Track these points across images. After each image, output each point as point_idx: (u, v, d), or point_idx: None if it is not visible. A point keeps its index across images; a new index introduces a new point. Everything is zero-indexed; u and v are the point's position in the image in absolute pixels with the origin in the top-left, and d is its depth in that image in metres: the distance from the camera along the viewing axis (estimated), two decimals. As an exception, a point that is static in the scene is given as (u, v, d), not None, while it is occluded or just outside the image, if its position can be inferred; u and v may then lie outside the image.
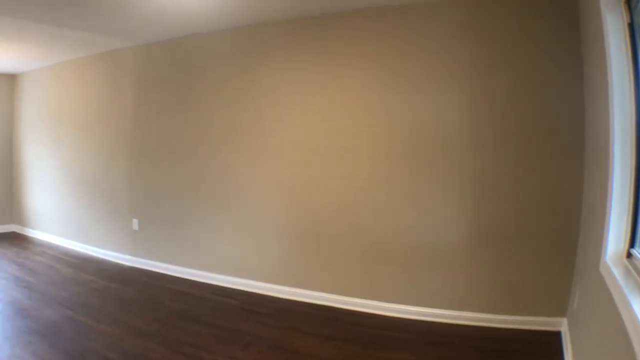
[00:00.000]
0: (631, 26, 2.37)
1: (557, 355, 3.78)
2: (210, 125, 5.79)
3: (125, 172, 6.70)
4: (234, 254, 5.70)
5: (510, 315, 4.32)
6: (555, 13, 4.08)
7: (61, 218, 7.87)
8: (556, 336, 4.13)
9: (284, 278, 5.34)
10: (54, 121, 7.90)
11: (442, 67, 4.46)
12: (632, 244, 2.38)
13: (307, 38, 5.11)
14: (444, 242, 4.50)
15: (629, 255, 2.37)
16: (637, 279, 2.03)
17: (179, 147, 6.10)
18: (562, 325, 4.14)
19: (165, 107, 6.22)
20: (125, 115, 6.65)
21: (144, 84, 6.46)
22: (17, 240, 8.15)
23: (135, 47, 6.50)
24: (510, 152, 4.27)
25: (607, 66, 2.53)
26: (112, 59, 6.83)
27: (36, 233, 8.43)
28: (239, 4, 4.72)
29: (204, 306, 5.09)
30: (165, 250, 6.33)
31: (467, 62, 4.37)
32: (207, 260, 5.91)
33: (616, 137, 2.39)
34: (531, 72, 4.17)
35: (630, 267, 2.24)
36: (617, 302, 1.99)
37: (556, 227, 4.17)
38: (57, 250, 7.48)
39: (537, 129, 4.18)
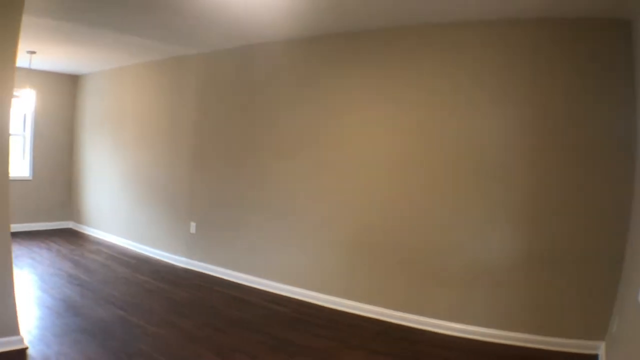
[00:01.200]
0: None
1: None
2: (272, 134, 5.78)
3: (186, 175, 6.75)
4: (287, 262, 5.63)
5: (551, 336, 4.23)
6: (611, 37, 4.05)
7: (118, 217, 7.98)
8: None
9: (335, 289, 5.25)
10: (115, 122, 8.06)
11: (500, 87, 4.43)
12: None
13: (368, 52, 5.06)
14: (492, 261, 4.44)
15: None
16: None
17: (239, 153, 6.10)
18: (600, 349, 4.04)
19: (227, 114, 6.26)
20: (188, 120, 6.72)
21: (207, 90, 6.51)
22: (73, 237, 8.29)
23: (199, 54, 6.57)
24: (561, 175, 4.24)
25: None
26: (176, 65, 6.93)
27: (92, 231, 8.57)
28: (307, 16, 4.69)
29: (255, 313, 4.99)
30: (220, 255, 6.30)
31: (525, 84, 4.34)
32: (261, 266, 5.86)
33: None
34: (585, 96, 4.15)
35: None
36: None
37: (601, 250, 4.10)
38: (113, 249, 7.55)
39: (589, 153, 4.16)
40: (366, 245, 5.04)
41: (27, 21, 4.82)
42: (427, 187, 4.73)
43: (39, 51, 6.77)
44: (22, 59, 6.99)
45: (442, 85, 4.65)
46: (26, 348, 3.68)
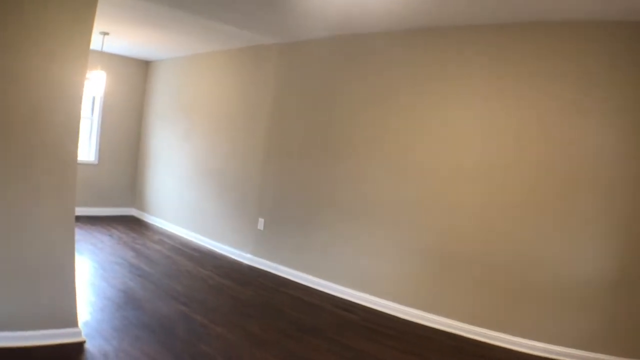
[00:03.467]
0: None
1: None
2: (350, 131, 5.57)
3: (257, 169, 6.61)
4: (359, 266, 5.41)
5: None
6: None
7: (183, 208, 7.95)
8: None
9: (408, 298, 5.00)
10: (186, 111, 8.04)
11: (606, 93, 4.13)
12: None
13: (470, 48, 4.77)
14: (582, 278, 4.20)
15: None
16: None
17: (315, 150, 5.91)
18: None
19: (305, 108, 6.09)
20: (263, 112, 6.58)
21: (284, 82, 6.36)
22: (135, 224, 8.31)
23: (279, 44, 6.42)
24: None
25: None
26: (254, 54, 6.81)
27: (155, 220, 8.58)
28: (403, 7, 4.46)
29: (324, 318, 4.78)
30: (288, 254, 6.13)
31: (625, 90, 4.06)
32: (331, 269, 5.64)
33: None
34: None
35: None
36: None
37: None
38: (176, 240, 7.49)
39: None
40: (446, 254, 4.80)
41: (103, -2, 4.81)
42: (517, 195, 4.46)
43: (113, 32, 6.76)
44: (95, 41, 7.02)
45: (543, 89, 4.37)
46: (84, 341, 3.56)
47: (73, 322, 3.57)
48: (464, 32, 4.76)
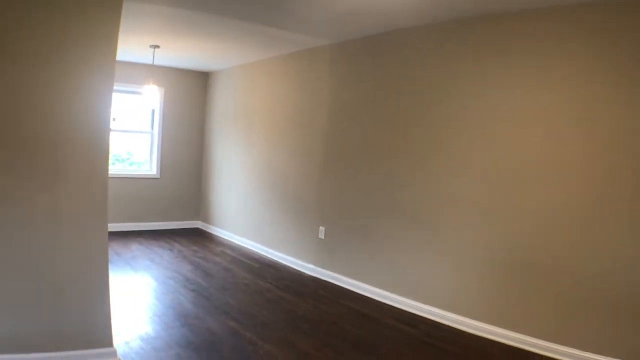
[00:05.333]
0: None
1: None
2: (412, 132, 5.20)
3: (317, 176, 6.38)
4: (421, 277, 5.04)
5: None
6: None
7: (245, 218, 7.83)
8: None
9: (474, 310, 4.59)
10: (245, 121, 7.95)
11: None
12: None
13: (527, 36, 4.29)
14: None
15: None
16: None
17: (375, 153, 5.58)
18: None
19: (362, 109, 5.79)
20: (320, 117, 6.36)
21: (339, 83, 6.11)
22: (199, 237, 8.22)
23: (330, 45, 6.18)
24: None
25: None
26: (306, 57, 6.62)
27: (219, 231, 8.50)
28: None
29: (382, 334, 4.43)
30: (349, 264, 5.84)
31: None
32: (392, 280, 5.30)
33: None
34: None
35: None
36: None
37: None
38: (238, 251, 7.33)
39: None
40: (511, 263, 4.35)
41: (148, 10, 4.76)
42: (590, 196, 3.93)
43: (163, 45, 6.71)
44: (146, 54, 7.03)
45: (613, 78, 3.81)
46: (118, 362, 3.38)
47: (107, 342, 3.39)
48: (526, 17, 4.30)
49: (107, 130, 3.37)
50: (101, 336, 3.38)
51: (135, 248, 6.86)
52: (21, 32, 3.03)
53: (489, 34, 4.55)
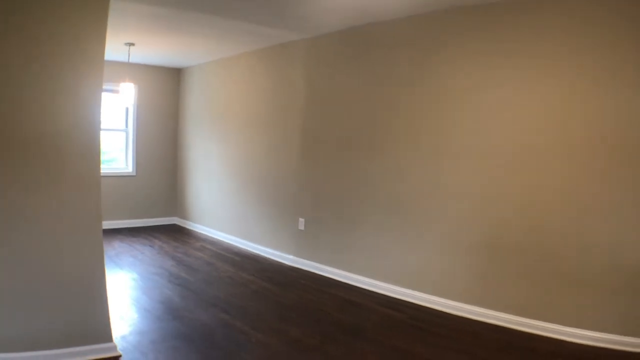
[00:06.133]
0: None
1: None
2: (389, 121, 5.37)
3: (294, 168, 6.52)
4: (403, 262, 5.23)
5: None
6: None
7: (223, 213, 7.94)
8: None
9: (458, 293, 4.80)
10: (219, 116, 8.04)
11: None
12: None
13: (501, 26, 4.52)
14: (635, 265, 3.90)
15: None
16: None
17: (353, 144, 5.75)
18: None
19: (338, 102, 5.94)
20: (296, 111, 6.49)
21: (316, 77, 6.23)
22: (177, 233, 8.31)
23: (306, 39, 6.30)
24: None
25: None
26: (282, 52, 6.72)
27: (197, 227, 8.59)
28: None
29: (369, 319, 4.62)
30: (330, 253, 6.01)
31: None
32: (374, 266, 5.49)
33: None
34: None
35: None
36: None
37: None
38: (218, 245, 7.45)
39: None
40: (492, 246, 4.57)
41: (123, 8, 4.78)
42: (566, 179, 4.18)
43: (138, 42, 6.76)
44: (121, 52, 7.06)
45: (585, 62, 4.05)
46: (119, 356, 3.51)
47: (107, 337, 3.52)
48: (499, 7, 4.50)
49: (98, 129, 3.46)
50: (101, 332, 3.51)
51: (117, 245, 6.93)
52: (10, 33, 3.09)
53: (465, 27, 4.74)
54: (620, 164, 3.92)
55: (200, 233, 8.34)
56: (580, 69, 4.06)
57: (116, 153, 8.71)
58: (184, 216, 9.01)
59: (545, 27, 4.22)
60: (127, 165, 8.68)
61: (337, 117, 5.93)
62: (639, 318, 3.88)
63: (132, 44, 6.77)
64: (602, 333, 3.99)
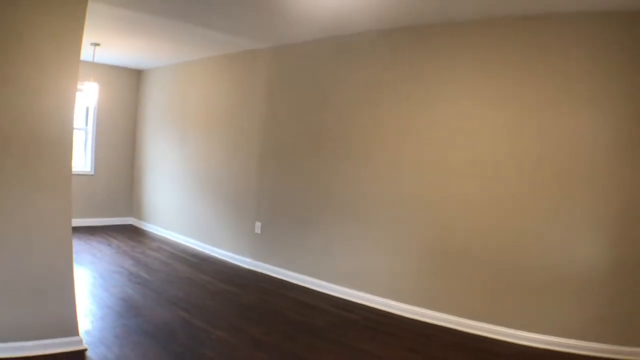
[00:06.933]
0: None
1: None
2: (345, 131, 5.63)
3: (253, 173, 6.69)
4: (357, 266, 5.48)
5: (630, 346, 4.08)
6: None
7: (180, 215, 8.03)
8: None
9: (410, 296, 5.06)
10: (180, 118, 8.14)
11: (591, 84, 4.22)
12: None
13: (458, 44, 4.84)
14: (575, 269, 4.27)
15: None
16: None
17: (309, 152, 5.98)
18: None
19: (297, 111, 6.17)
20: (257, 117, 6.66)
21: (277, 86, 6.44)
22: (133, 233, 8.38)
23: (270, 47, 6.49)
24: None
25: None
26: (245, 59, 6.89)
27: (153, 228, 8.66)
28: (390, 7, 4.57)
29: (324, 319, 4.84)
30: (287, 256, 6.20)
31: (619, 80, 4.12)
32: (330, 270, 5.71)
33: None
34: None
35: None
36: None
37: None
38: (174, 247, 7.56)
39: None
40: (443, 249, 4.87)
41: (92, 9, 4.84)
42: (511, 188, 4.54)
43: (103, 43, 6.84)
44: (86, 52, 7.09)
45: (529, 83, 4.45)
46: (85, 350, 3.63)
47: (74, 331, 3.63)
48: (451, 28, 4.83)
49: (71, 127, 3.58)
50: (68, 326, 3.62)
51: (76, 244, 6.94)
52: None
53: (418, 44, 5.04)
54: (563, 174, 4.30)
55: (156, 234, 8.42)
56: (533, 92, 4.42)
57: (76, 152, 8.70)
58: (140, 217, 9.06)
59: (509, 52, 4.55)
60: (85, 164, 8.69)
61: (296, 125, 6.15)
62: (583, 322, 4.20)
63: (98, 44, 6.83)
64: (549, 336, 4.29)
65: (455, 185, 4.79)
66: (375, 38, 5.37)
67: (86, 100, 7.12)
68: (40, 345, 3.47)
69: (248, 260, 6.66)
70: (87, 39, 6.39)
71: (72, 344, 3.60)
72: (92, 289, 5.18)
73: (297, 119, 6.15)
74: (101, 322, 4.27)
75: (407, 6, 4.50)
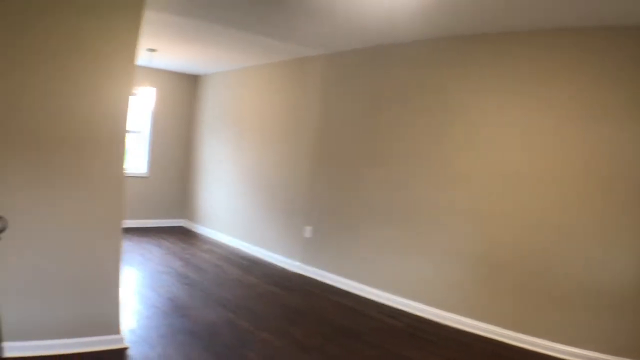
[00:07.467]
0: None
1: None
2: (396, 139, 5.53)
3: (305, 178, 6.65)
4: (404, 274, 5.36)
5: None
6: None
7: (232, 217, 8.05)
8: None
9: (453, 305, 4.95)
10: (234, 123, 8.18)
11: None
12: None
13: (504, 55, 4.72)
14: (617, 284, 4.08)
15: None
16: None
17: (361, 158, 5.90)
18: None
19: (351, 118, 6.09)
20: (310, 123, 6.63)
21: (330, 92, 6.39)
22: (185, 235, 8.43)
23: (323, 55, 6.45)
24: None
25: None
26: (299, 66, 6.88)
27: (204, 230, 8.70)
28: (432, 16, 4.46)
29: (368, 324, 4.75)
30: (335, 261, 6.12)
31: None
32: (377, 276, 5.61)
33: None
34: None
35: None
36: None
37: None
38: (225, 249, 7.56)
39: None
40: (490, 262, 4.73)
41: (148, 17, 4.93)
42: (560, 203, 4.37)
43: (160, 49, 6.92)
44: (143, 57, 7.21)
45: (576, 93, 4.29)
46: (126, 348, 3.62)
47: (115, 330, 3.64)
48: (500, 38, 4.71)
49: (124, 131, 3.60)
50: (110, 324, 3.64)
51: (127, 244, 7.04)
52: (50, 39, 3.26)
53: (478, 53, 4.89)
54: (606, 189, 4.13)
55: (207, 236, 8.46)
56: (575, 104, 4.27)
57: (131, 154, 8.85)
58: (192, 219, 9.13)
59: (558, 65, 4.39)
60: (141, 166, 8.82)
61: (348, 131, 6.08)
62: (624, 338, 4.00)
63: (155, 50, 6.92)
64: (586, 350, 4.13)
65: (504, 198, 4.66)
66: (431, 46, 5.24)
67: (144, 104, 7.23)
68: (82, 342, 3.50)
69: (297, 263, 6.60)
70: (144, 45, 6.51)
71: (113, 342, 3.63)
72: (140, 288, 5.21)
73: (350, 126, 6.08)
74: (147, 321, 4.27)
75: (468, 14, 4.36)
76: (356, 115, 5.99)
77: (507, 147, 4.63)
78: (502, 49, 4.69)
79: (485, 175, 4.76)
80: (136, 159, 8.81)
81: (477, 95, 4.85)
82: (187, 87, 9.19)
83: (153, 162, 8.89)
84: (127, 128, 3.61)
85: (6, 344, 2.70)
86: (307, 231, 6.48)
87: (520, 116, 4.55)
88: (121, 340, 3.66)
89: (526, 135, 4.52)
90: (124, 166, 3.64)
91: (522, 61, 4.56)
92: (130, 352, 3.57)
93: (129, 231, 8.05)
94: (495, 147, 4.71)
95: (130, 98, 3.59)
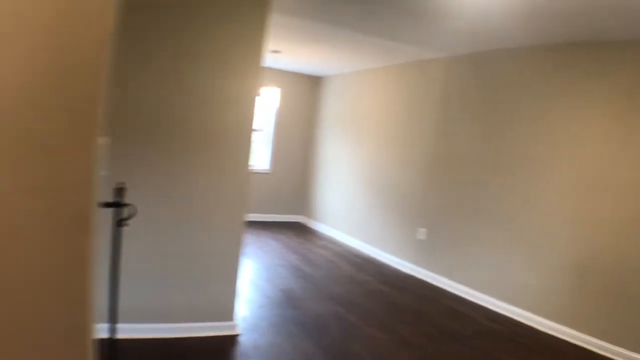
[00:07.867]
0: None
1: None
2: (512, 146, 5.41)
3: (421, 180, 6.65)
4: (513, 280, 5.24)
5: None
6: None
7: (348, 216, 8.18)
8: None
9: (555, 313, 4.78)
10: (354, 124, 8.32)
11: None
12: None
13: (617, 63, 4.46)
14: None
15: None
16: None
17: (478, 164, 5.81)
18: None
19: (467, 121, 6.03)
20: (428, 126, 6.62)
21: (448, 95, 6.35)
22: (301, 231, 8.67)
23: (441, 58, 6.44)
24: None
25: None
26: (418, 69, 6.89)
27: (321, 227, 8.89)
28: (547, 22, 4.34)
29: (472, 328, 4.72)
30: (447, 264, 6.08)
31: None
32: (486, 282, 5.52)
33: None
34: None
35: None
36: None
37: None
38: (339, 246, 7.70)
39: None
40: (598, 271, 4.50)
41: (273, 20, 5.14)
42: None
43: (284, 51, 7.18)
44: (267, 58, 7.49)
45: None
46: (238, 334, 3.82)
47: (230, 317, 3.85)
48: (608, 47, 4.51)
49: (251, 129, 3.82)
50: (226, 311, 3.85)
51: (246, 236, 7.36)
52: (193, 45, 3.57)
53: (592, 59, 4.69)
54: None
55: (324, 233, 8.65)
56: None
57: (255, 151, 9.22)
58: (309, 215, 9.36)
59: None
60: (264, 162, 9.20)
61: (467, 136, 6.01)
62: None
63: (279, 52, 7.18)
64: None
65: (608, 204, 4.46)
66: (538, 54, 5.13)
67: (269, 103, 7.53)
68: (197, 327, 3.74)
69: (409, 265, 6.61)
70: (269, 47, 6.77)
71: (227, 329, 3.84)
72: (255, 279, 5.45)
73: (469, 130, 6.00)
74: (259, 311, 4.47)
75: (594, 21, 4.18)
76: (477, 120, 5.91)
77: (615, 157, 4.42)
78: (618, 58, 4.46)
79: (593, 181, 4.58)
80: (259, 155, 9.16)
81: (588, 104, 4.70)
82: (309, 88, 9.45)
83: (275, 159, 9.22)
84: (254, 126, 3.80)
85: (122, 325, 2.92)
86: (421, 233, 6.47)
87: (631, 126, 4.33)
88: (234, 327, 3.86)
89: (630, 149, 4.31)
90: (250, 162, 3.84)
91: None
92: (241, 339, 3.77)
93: (250, 224, 8.35)
94: (604, 157, 4.51)
95: (257, 98, 3.79)
